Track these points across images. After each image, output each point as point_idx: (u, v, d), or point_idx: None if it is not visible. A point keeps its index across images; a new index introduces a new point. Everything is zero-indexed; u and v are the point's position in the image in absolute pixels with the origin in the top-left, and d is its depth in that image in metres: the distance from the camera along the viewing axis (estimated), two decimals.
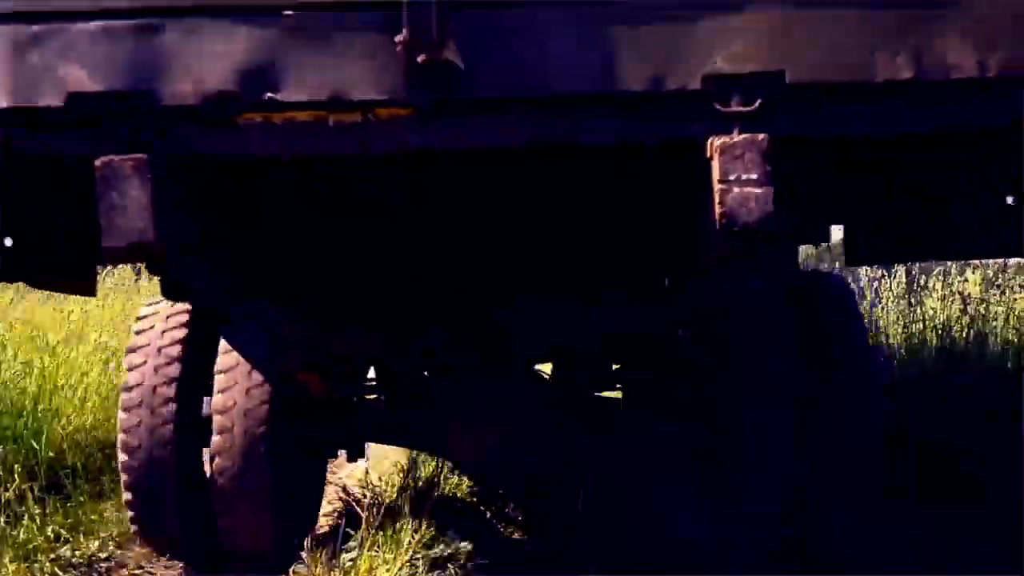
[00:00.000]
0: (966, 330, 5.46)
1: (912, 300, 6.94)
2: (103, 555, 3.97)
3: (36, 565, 3.69)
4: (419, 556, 3.47)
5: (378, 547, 3.46)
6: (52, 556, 3.79)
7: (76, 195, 2.04)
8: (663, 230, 2.32)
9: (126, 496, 3.48)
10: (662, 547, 3.60)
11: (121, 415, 3.32)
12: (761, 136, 1.65)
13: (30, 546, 3.83)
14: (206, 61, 1.71)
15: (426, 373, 3.83)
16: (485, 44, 1.66)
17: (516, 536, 4.58)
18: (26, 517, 4.02)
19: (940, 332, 5.64)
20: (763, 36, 1.66)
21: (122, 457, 3.37)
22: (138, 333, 3.40)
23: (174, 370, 3.27)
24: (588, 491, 3.56)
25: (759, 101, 1.65)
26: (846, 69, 1.70)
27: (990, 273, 6.45)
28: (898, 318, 6.54)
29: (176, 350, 3.29)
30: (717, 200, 1.65)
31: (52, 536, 3.99)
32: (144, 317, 3.47)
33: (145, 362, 3.30)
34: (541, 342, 3.49)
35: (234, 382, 3.00)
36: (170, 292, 3.14)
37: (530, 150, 1.74)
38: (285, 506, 3.31)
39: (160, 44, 1.68)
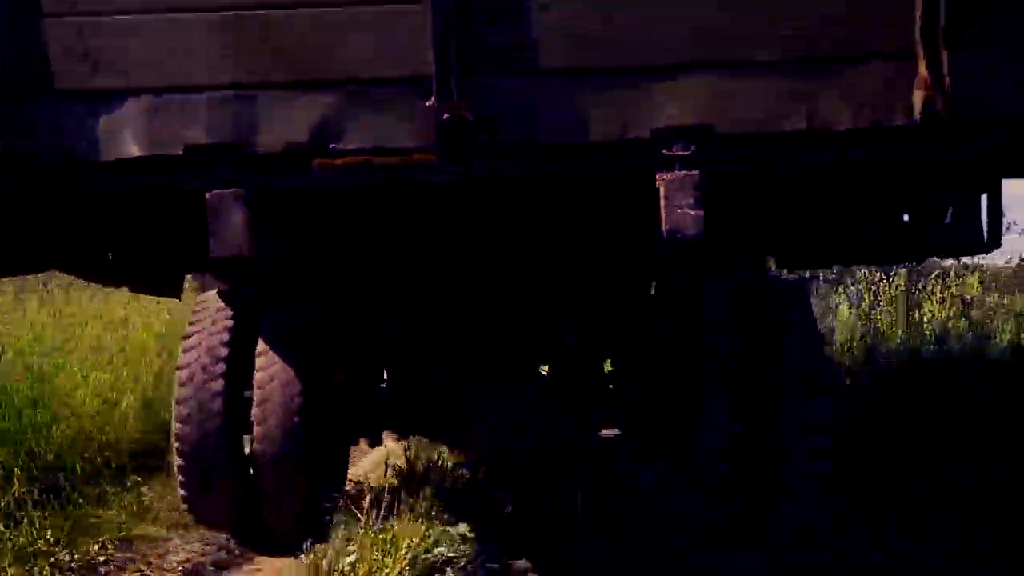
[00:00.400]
0: (965, 333, 5.47)
1: (910, 303, 6.96)
2: (102, 558, 3.96)
3: (35, 569, 3.68)
4: (418, 559, 3.48)
5: (377, 550, 3.47)
6: (51, 560, 3.79)
7: (173, 220, 2.71)
8: (629, 242, 2.96)
9: (180, 478, 3.97)
10: (647, 520, 3.87)
11: (176, 408, 3.88)
12: (695, 173, 2.20)
13: (29, 550, 3.83)
14: (287, 121, 2.26)
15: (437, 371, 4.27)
16: (492, 105, 2.22)
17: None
18: (25, 521, 4.03)
19: (938, 334, 5.65)
20: (697, 99, 2.23)
21: (176, 444, 3.89)
22: (186, 338, 4.03)
23: (220, 367, 3.85)
24: (581, 471, 3.88)
25: (693, 147, 2.21)
26: (758, 123, 2.25)
27: (988, 275, 6.45)
28: (893, 322, 6.56)
29: (223, 351, 3.89)
30: (664, 218, 2.21)
31: (51, 540, 3.98)
32: (193, 322, 4.08)
33: (194, 363, 3.89)
34: (537, 340, 4.04)
35: (272, 373, 3.69)
36: (229, 296, 3.87)
37: (526, 182, 2.35)
38: (315, 474, 3.87)
39: (254, 108, 2.26)
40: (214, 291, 4.06)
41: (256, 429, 3.81)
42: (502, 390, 4.09)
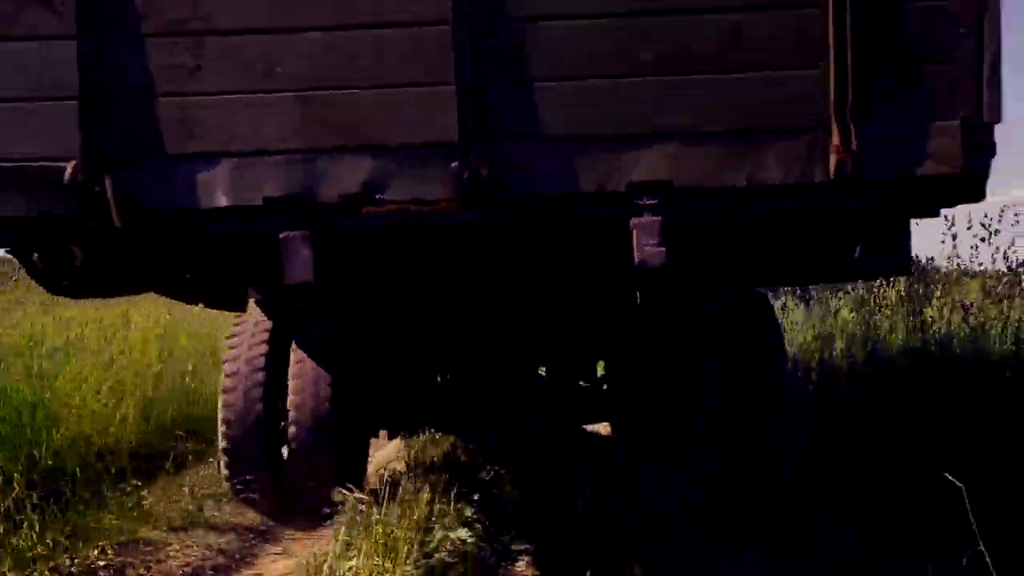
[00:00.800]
0: (966, 339, 5.46)
1: (911, 308, 6.95)
2: (102, 562, 3.95)
3: (35, 573, 3.68)
4: (418, 563, 3.47)
5: (377, 553, 3.46)
6: (51, 564, 3.78)
7: (241, 253, 3.37)
8: (610, 270, 3.44)
9: (224, 459, 4.45)
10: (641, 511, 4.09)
11: (222, 403, 4.41)
12: (658, 218, 2.83)
13: (29, 554, 3.82)
14: (343, 177, 2.86)
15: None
16: (502, 165, 2.83)
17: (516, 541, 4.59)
18: (25, 524, 4.02)
19: (939, 340, 5.65)
20: (660, 161, 2.84)
21: (221, 434, 4.41)
22: (231, 338, 4.64)
23: (260, 363, 4.45)
24: (581, 470, 4.13)
25: (658, 199, 2.84)
26: (707, 179, 2.85)
27: (991, 281, 6.45)
28: (891, 328, 6.56)
29: (263, 349, 4.50)
30: (635, 253, 2.83)
31: (51, 544, 3.97)
32: (237, 325, 4.71)
33: (237, 365, 4.48)
34: (538, 347, 4.81)
35: (305, 373, 4.34)
36: (268, 308, 4.54)
37: (529, 224, 2.95)
38: (341, 460, 4.39)
39: (316, 167, 2.86)
40: (251, 302, 4.69)
41: (291, 421, 4.36)
42: (507, 388, 4.77)
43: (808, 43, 2.80)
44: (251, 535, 4.79)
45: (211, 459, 6.33)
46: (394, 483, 4.43)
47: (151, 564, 4.07)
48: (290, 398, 4.37)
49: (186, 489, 5.34)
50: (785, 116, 2.81)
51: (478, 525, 4.38)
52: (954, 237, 6.19)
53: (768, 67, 2.81)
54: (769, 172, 2.82)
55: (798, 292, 9.69)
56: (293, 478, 4.46)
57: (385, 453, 6.60)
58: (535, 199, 2.87)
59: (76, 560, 3.90)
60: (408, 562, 3.43)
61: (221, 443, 4.46)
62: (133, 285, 4.05)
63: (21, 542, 3.89)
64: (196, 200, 2.86)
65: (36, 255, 3.31)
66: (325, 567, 3.41)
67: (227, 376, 4.49)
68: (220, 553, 4.39)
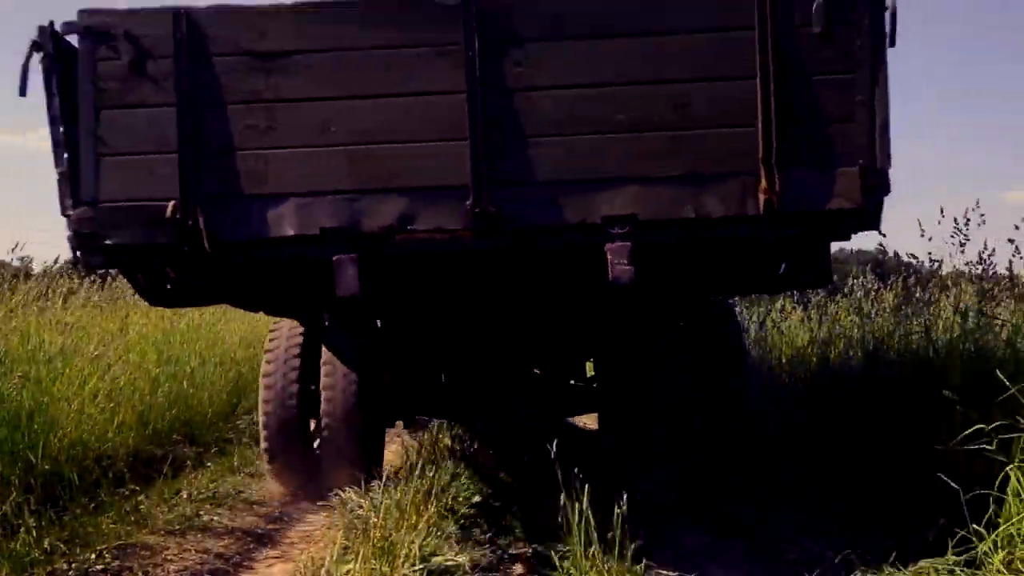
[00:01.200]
0: (963, 342, 5.46)
1: (909, 311, 6.96)
2: (99, 567, 3.95)
3: None
4: (417, 569, 3.47)
5: (375, 558, 3.47)
6: (48, 568, 3.79)
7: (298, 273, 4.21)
8: (592, 288, 4.19)
9: (263, 432, 5.51)
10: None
11: (262, 399, 5.54)
12: (628, 243, 3.58)
13: (27, 559, 3.82)
14: (382, 212, 3.64)
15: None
16: (505, 203, 3.61)
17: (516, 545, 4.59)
18: (22, 529, 4.02)
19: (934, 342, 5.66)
20: (628, 199, 3.60)
21: (262, 425, 5.50)
22: (272, 331, 5.78)
23: (296, 351, 5.57)
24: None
25: (627, 227, 3.59)
26: (666, 212, 3.61)
27: (987, 285, 6.45)
28: (890, 331, 6.58)
29: (298, 341, 5.62)
30: (609, 272, 3.58)
31: (48, 549, 3.97)
32: (276, 323, 5.87)
33: (275, 366, 5.54)
34: (530, 355, 5.73)
35: (335, 373, 5.18)
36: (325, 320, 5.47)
37: (525, 249, 3.73)
38: (365, 447, 5.22)
39: (361, 204, 3.66)
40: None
41: (323, 412, 5.19)
42: (506, 386, 5.52)
43: (743, 107, 3.54)
44: (249, 539, 4.79)
45: (209, 464, 6.34)
46: (393, 488, 4.45)
47: (149, 568, 4.06)
48: (323, 394, 5.17)
49: (184, 493, 5.34)
50: (725, 164, 3.58)
51: (476, 529, 4.40)
52: (962, 243, 6.16)
53: (712, 125, 3.59)
54: (713, 207, 3.58)
55: (795, 297, 9.73)
56: (323, 459, 5.31)
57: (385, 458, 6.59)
58: (531, 229, 3.65)
59: (74, 565, 3.89)
60: (405, 566, 3.43)
61: (261, 418, 5.53)
62: (211, 297, 5.07)
63: (19, 547, 3.89)
64: (267, 231, 3.66)
65: (140, 275, 4.21)
66: (323, 571, 3.41)
67: (267, 363, 5.61)
68: (218, 557, 4.38)
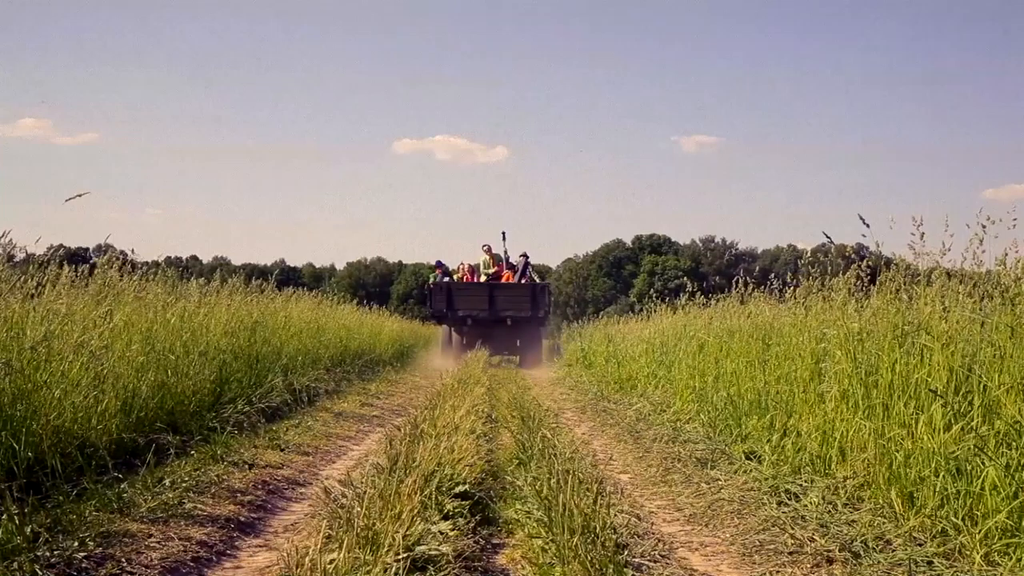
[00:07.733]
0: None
1: None
2: (82, 555, 3.94)
3: (15, 565, 3.66)
4: (401, 557, 3.48)
5: (359, 547, 3.47)
6: (31, 556, 3.77)
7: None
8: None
9: (441, 348, 24.65)
10: None
11: (442, 336, 24.74)
12: None
13: (8, 546, 3.81)
14: (469, 303, 22.79)
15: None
16: (498, 300, 22.55)
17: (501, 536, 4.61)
18: (4, 517, 4.00)
19: None
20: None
21: (443, 338, 24.75)
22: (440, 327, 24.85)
23: (449, 331, 24.06)
24: None
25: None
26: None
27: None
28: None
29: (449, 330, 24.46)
30: None
31: (31, 536, 3.96)
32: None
33: (445, 331, 24.43)
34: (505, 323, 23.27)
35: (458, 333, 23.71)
36: (435, 320, 24.16)
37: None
38: (460, 350, 22.96)
39: (452, 296, 22.65)
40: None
41: (454, 341, 23.66)
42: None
43: None
44: (232, 527, 4.78)
45: (192, 452, 6.32)
46: (377, 477, 4.45)
47: (131, 556, 4.05)
48: (453, 337, 23.13)
49: (167, 481, 5.33)
50: None
51: (460, 519, 4.41)
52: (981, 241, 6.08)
53: None
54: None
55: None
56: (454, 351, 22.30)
57: (349, 462, 6.59)
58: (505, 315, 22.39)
59: (56, 552, 3.88)
60: (389, 555, 3.44)
61: (442, 339, 24.03)
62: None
63: (1, 534, 3.87)
64: (459, 317, 22.46)
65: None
66: (307, 560, 3.41)
67: (443, 333, 23.89)
68: (201, 545, 4.38)
